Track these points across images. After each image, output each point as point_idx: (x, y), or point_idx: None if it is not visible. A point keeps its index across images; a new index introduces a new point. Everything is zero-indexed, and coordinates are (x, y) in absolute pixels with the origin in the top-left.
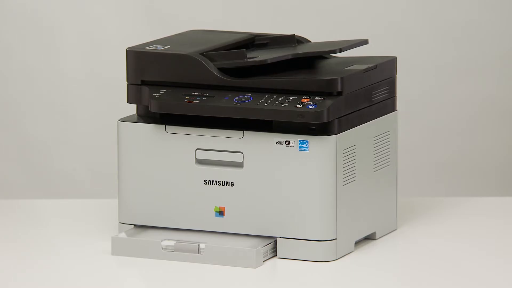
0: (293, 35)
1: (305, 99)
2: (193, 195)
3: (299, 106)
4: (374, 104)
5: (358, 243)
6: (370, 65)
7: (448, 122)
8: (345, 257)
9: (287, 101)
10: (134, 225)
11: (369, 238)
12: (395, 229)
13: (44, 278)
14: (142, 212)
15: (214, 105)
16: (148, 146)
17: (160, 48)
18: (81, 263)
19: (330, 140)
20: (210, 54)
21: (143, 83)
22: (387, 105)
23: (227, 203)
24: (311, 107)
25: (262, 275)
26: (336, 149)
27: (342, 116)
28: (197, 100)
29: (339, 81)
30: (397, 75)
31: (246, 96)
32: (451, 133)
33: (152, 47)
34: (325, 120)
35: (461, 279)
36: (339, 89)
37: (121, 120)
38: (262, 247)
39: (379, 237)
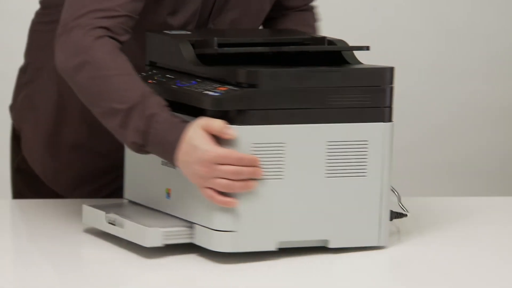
0: (324, 37)
1: (222, 88)
2: (152, 175)
3: (206, 92)
4: (333, 108)
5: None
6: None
7: (448, 123)
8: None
9: (209, 87)
10: (129, 200)
11: (323, 246)
12: (377, 245)
13: (44, 278)
14: (136, 190)
15: (160, 87)
16: None
17: (174, 32)
18: (81, 263)
19: (239, 130)
20: (200, 41)
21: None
22: (367, 113)
23: (173, 185)
24: (212, 93)
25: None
26: (242, 140)
27: (258, 109)
28: (155, 82)
29: (254, 74)
30: (394, 85)
31: (193, 82)
32: (451, 133)
33: (171, 32)
34: (221, 108)
35: (461, 279)
36: (255, 82)
37: None
38: (165, 228)
39: (342, 246)
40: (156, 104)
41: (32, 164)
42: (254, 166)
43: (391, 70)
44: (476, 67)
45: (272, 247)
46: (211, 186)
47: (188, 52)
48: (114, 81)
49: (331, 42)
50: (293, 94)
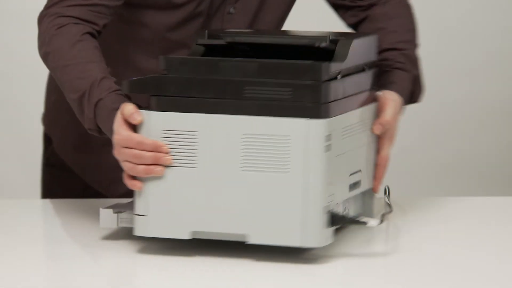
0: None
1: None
2: None
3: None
4: (249, 100)
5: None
6: None
7: (448, 123)
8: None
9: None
10: None
11: (242, 240)
12: (300, 245)
13: (44, 278)
14: None
15: None
16: None
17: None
18: (81, 263)
19: (150, 116)
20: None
21: None
22: (289, 108)
23: None
24: (133, 78)
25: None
26: (153, 126)
27: (168, 96)
28: None
29: (166, 60)
30: (328, 83)
31: None
32: (451, 133)
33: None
34: (130, 92)
35: (460, 280)
36: (167, 68)
37: None
38: (121, 212)
39: (262, 243)
40: (105, 89)
41: (72, 165)
42: (157, 152)
43: (320, 66)
44: (473, 67)
45: (186, 236)
46: (124, 168)
47: (196, 46)
48: (69, 71)
49: (333, 40)
50: (204, 83)
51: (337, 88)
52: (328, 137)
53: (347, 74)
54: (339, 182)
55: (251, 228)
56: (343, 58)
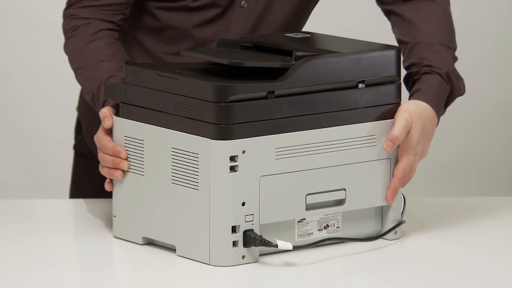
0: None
1: None
2: None
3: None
4: (174, 115)
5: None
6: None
7: (449, 122)
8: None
9: None
10: None
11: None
12: (209, 263)
13: (44, 278)
14: None
15: None
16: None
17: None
18: (81, 263)
19: (116, 121)
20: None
21: None
22: (196, 126)
23: None
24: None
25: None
26: (118, 132)
27: (127, 104)
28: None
29: (125, 69)
30: (229, 104)
31: None
32: (451, 133)
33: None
34: (104, 98)
35: (460, 280)
36: (125, 77)
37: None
38: None
39: (185, 256)
40: None
41: (93, 147)
42: (116, 157)
43: (221, 87)
44: (473, 67)
45: (139, 241)
46: None
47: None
48: (81, 73)
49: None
50: (148, 95)
51: (257, 108)
52: (234, 158)
53: (291, 94)
54: (276, 202)
55: (178, 241)
56: (283, 79)
